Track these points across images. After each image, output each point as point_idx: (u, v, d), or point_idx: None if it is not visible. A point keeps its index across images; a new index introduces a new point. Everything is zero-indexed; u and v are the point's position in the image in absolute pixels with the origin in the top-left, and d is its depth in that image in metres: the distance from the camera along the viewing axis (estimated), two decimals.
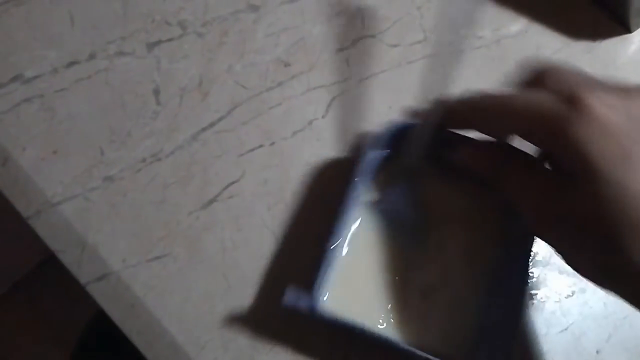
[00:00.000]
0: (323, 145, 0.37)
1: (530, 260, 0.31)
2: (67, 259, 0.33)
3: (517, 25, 0.41)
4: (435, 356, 0.28)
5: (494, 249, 0.33)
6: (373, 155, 0.32)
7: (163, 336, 0.32)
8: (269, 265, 0.34)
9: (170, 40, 0.37)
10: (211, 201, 0.35)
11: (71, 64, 0.36)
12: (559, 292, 0.35)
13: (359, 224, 0.33)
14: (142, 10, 0.38)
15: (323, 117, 0.37)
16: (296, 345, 0.32)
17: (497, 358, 0.29)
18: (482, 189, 0.33)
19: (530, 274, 0.34)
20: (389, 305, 0.31)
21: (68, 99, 0.36)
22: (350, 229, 0.32)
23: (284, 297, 0.29)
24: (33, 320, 0.96)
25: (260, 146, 0.36)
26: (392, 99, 0.38)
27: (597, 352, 0.34)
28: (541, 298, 0.35)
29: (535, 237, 0.31)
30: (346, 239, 0.32)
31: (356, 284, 0.32)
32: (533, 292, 0.35)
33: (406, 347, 0.29)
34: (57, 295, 0.93)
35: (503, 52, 0.40)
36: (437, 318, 0.31)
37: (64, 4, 0.38)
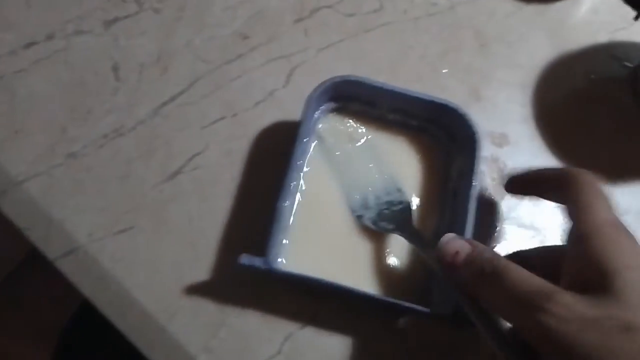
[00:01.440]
0: (285, 115, 0.37)
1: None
2: (34, 235, 0.33)
3: None
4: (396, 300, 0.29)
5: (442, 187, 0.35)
6: (315, 111, 0.34)
7: (134, 306, 0.33)
8: (233, 232, 0.34)
9: (126, 17, 0.38)
10: (176, 173, 0.35)
11: (29, 44, 0.36)
12: (519, 245, 0.36)
13: (309, 175, 0.34)
14: None
15: (284, 87, 0.38)
16: (265, 307, 0.33)
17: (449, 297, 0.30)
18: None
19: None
20: (346, 255, 0.33)
21: (27, 79, 0.36)
22: (300, 183, 0.34)
23: (239, 258, 0.29)
24: (14, 320, 0.95)
25: (223, 118, 0.37)
26: (351, 67, 0.39)
27: None
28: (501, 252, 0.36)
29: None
30: (296, 195, 0.34)
31: (311, 237, 0.33)
32: (493, 245, 0.36)
33: (366, 292, 0.30)
34: (38, 294, 0.93)
35: (457, 19, 0.41)
36: (393, 263, 0.33)
37: None
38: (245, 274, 0.31)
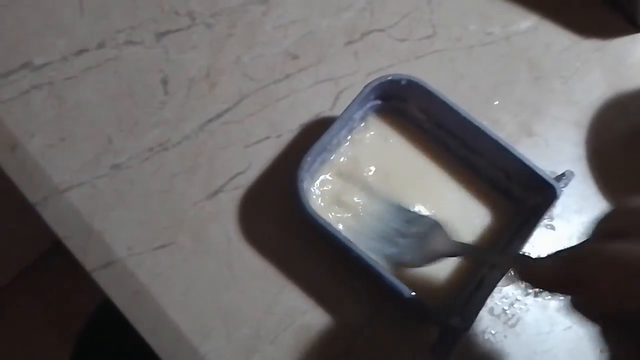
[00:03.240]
0: None
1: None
2: (74, 245, 0.33)
3: (526, 22, 0.41)
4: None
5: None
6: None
7: (167, 324, 0.32)
8: (274, 256, 0.34)
9: (178, 30, 0.38)
10: (217, 191, 0.35)
11: (80, 52, 0.37)
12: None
13: None
14: (151, 0, 0.38)
15: (330, 109, 0.37)
16: (300, 338, 0.32)
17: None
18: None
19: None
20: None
21: (77, 87, 0.36)
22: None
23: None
24: (37, 310, 0.97)
25: (267, 138, 0.36)
26: None
27: (602, 351, 0.34)
28: (545, 296, 0.35)
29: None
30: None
31: None
32: (537, 290, 0.35)
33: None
34: (61, 284, 0.94)
35: (512, 50, 0.40)
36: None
37: None
38: (279, 299, 0.31)
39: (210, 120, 0.36)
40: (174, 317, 0.32)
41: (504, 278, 0.30)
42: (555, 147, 0.38)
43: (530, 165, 0.33)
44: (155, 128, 0.35)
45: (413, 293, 0.30)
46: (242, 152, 0.36)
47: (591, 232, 0.25)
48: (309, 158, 0.32)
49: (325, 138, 0.32)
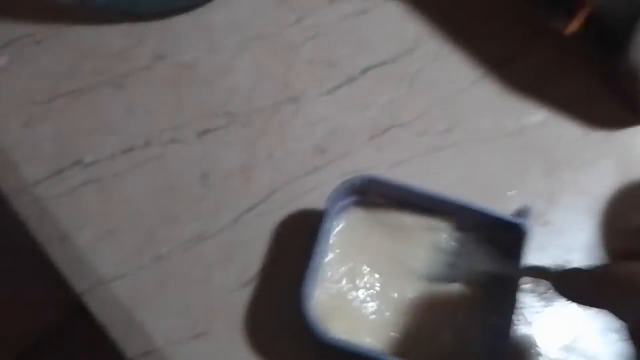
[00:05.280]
0: None
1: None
2: (115, 334, 0.35)
3: (537, 115, 0.44)
4: None
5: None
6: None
7: None
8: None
9: (217, 129, 0.41)
10: (251, 280, 0.37)
11: (128, 150, 0.40)
12: None
13: None
14: (193, 102, 0.42)
15: None
16: None
17: None
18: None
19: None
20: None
21: (123, 182, 0.39)
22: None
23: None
24: None
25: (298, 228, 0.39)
26: (420, 184, 0.41)
27: None
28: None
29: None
30: None
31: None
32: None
33: None
34: (87, 349, 0.94)
35: (525, 141, 0.43)
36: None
37: (123, 95, 0.42)
38: None
39: (244, 212, 0.39)
40: None
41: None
42: (569, 236, 0.40)
43: (491, 213, 0.36)
44: (194, 220, 0.38)
45: None
46: (274, 243, 0.38)
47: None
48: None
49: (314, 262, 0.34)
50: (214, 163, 0.40)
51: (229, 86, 0.43)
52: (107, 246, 0.37)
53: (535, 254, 0.39)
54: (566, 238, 0.40)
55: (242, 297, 0.36)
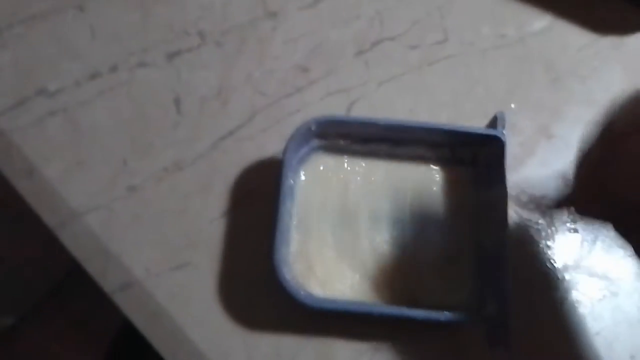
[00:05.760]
0: None
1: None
2: (92, 268, 0.33)
3: (541, 22, 0.40)
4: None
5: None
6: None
7: (186, 344, 0.32)
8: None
9: (189, 50, 0.38)
10: (232, 209, 0.35)
11: (93, 76, 0.37)
12: (590, 295, 0.34)
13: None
14: (161, 21, 0.38)
15: None
16: (320, 350, 0.32)
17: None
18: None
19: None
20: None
21: (91, 111, 0.36)
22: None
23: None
24: (64, 328, 0.98)
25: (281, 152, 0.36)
26: (413, 101, 0.38)
27: (632, 357, 0.33)
28: (572, 302, 0.34)
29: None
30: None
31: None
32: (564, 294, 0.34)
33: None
34: (88, 301, 0.95)
35: (527, 51, 0.39)
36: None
37: (85, 18, 0.38)
38: (299, 313, 0.30)
39: (223, 138, 0.36)
40: (193, 336, 0.32)
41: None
42: (576, 148, 0.37)
43: (464, 130, 0.33)
44: (169, 148, 0.36)
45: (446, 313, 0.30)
46: (256, 167, 0.36)
47: None
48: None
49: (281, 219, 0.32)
50: (188, 87, 0.37)
51: (200, 2, 0.39)
52: (78, 178, 0.35)
53: (539, 169, 0.36)
54: (573, 151, 0.37)
55: (221, 227, 0.34)
